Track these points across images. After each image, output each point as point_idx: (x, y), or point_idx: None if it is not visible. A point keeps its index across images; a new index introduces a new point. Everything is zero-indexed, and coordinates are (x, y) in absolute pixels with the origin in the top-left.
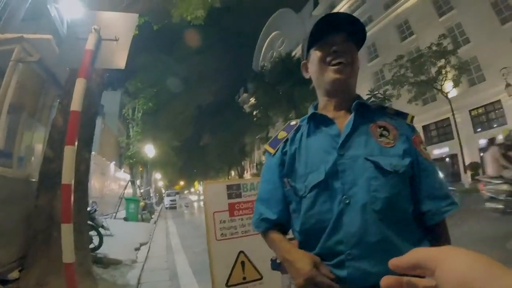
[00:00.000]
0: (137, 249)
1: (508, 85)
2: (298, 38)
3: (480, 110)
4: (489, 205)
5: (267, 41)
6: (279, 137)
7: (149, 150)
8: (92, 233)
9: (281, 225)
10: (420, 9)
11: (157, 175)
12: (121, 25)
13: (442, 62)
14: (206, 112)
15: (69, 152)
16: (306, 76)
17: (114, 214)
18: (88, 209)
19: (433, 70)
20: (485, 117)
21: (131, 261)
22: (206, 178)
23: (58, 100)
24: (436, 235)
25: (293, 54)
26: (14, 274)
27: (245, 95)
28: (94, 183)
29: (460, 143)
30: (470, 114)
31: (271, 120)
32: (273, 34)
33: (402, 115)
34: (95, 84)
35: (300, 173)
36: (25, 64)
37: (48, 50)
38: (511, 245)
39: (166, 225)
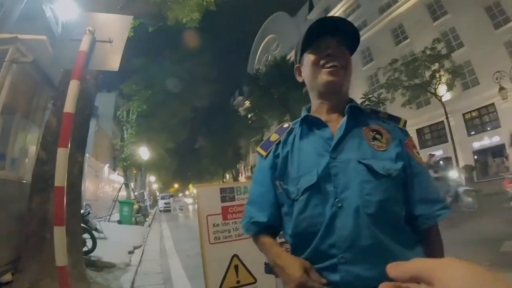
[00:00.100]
0: (130, 252)
1: (501, 88)
2: (293, 42)
3: (473, 114)
4: None
5: (262, 44)
6: (271, 139)
7: (144, 153)
8: (86, 236)
9: (272, 228)
10: (415, 13)
11: (152, 178)
12: (115, 27)
13: (436, 66)
14: (201, 114)
15: (62, 154)
16: (299, 79)
17: (108, 217)
18: (82, 211)
19: (427, 74)
20: (479, 120)
21: (125, 264)
22: (200, 181)
23: (52, 102)
24: (428, 239)
25: (288, 57)
26: (7, 277)
27: (240, 98)
28: (88, 186)
29: (454, 146)
30: (464, 117)
31: (266, 123)
32: (268, 37)
33: (395, 119)
34: (89, 85)
35: (293, 176)
36: (19, 65)
37: (42, 51)
38: (506, 247)
39: (160, 228)
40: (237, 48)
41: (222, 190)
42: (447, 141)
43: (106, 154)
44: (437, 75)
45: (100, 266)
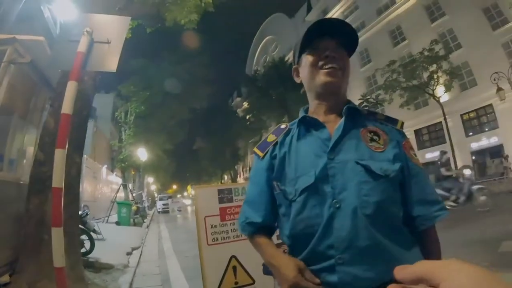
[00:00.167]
0: (129, 253)
1: (499, 89)
2: (291, 43)
3: (471, 115)
4: None
5: (261, 45)
6: (268, 140)
7: (142, 154)
8: (84, 237)
9: (267, 228)
10: (413, 15)
11: (150, 179)
12: (113, 28)
13: (434, 67)
14: (199, 116)
15: (60, 156)
16: (297, 80)
17: (106, 218)
18: (80, 213)
19: (425, 75)
20: (477, 121)
21: (123, 265)
22: (199, 182)
23: (50, 103)
24: (426, 240)
25: (286, 58)
26: (5, 278)
27: (238, 99)
28: (86, 187)
29: (452, 147)
30: (462, 118)
31: (264, 124)
32: (266, 38)
33: (392, 121)
34: (87, 86)
35: (290, 177)
36: (17, 66)
37: (40, 51)
38: (504, 247)
39: (159, 229)
40: (235, 50)
41: (220, 191)
42: (445, 142)
43: (104, 155)
44: (435, 76)
45: (98, 267)
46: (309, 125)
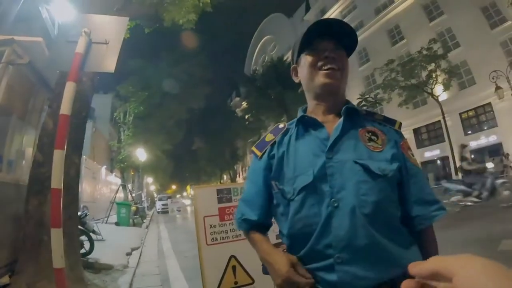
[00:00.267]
0: (128, 254)
1: (497, 88)
2: (289, 43)
3: (470, 113)
4: None
5: (259, 45)
6: (266, 139)
7: (141, 154)
8: (83, 238)
9: (262, 225)
10: (411, 14)
11: (149, 179)
12: (111, 29)
13: (432, 66)
14: (198, 116)
15: (58, 156)
16: (296, 80)
17: (105, 219)
18: (79, 213)
19: (424, 74)
20: (476, 120)
21: (123, 266)
22: (198, 182)
23: (48, 103)
24: (424, 239)
25: (285, 58)
26: (4, 280)
27: (237, 99)
28: (85, 187)
29: (451, 146)
30: (461, 117)
31: (263, 124)
32: (265, 38)
33: (390, 121)
34: (85, 87)
35: (288, 176)
36: (15, 67)
37: (39, 52)
38: (503, 246)
39: (158, 229)
40: (234, 49)
41: (219, 191)
42: (444, 141)
43: (103, 155)
44: (434, 75)
45: (98, 268)
46: (308, 124)
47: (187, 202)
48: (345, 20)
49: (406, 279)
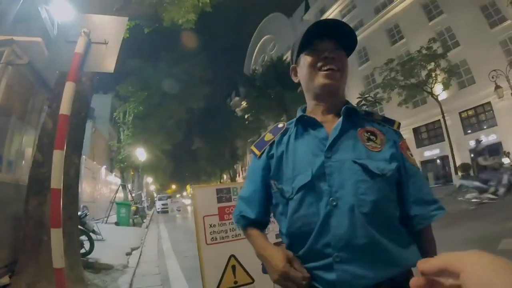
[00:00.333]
0: (128, 254)
1: (497, 87)
2: (289, 42)
3: (470, 112)
4: None
5: (259, 45)
6: (265, 139)
7: (140, 154)
8: (83, 237)
9: (260, 223)
10: (410, 13)
11: (149, 179)
12: (111, 29)
13: (432, 65)
14: (198, 115)
15: (58, 157)
16: (295, 80)
17: (105, 219)
18: (79, 213)
19: (423, 73)
20: (475, 119)
21: (123, 266)
22: (198, 182)
23: (48, 104)
24: (423, 239)
25: (284, 58)
26: (4, 280)
27: (236, 98)
28: (85, 187)
29: (450, 145)
30: (460, 116)
31: (263, 124)
32: (264, 38)
33: (389, 121)
34: (85, 87)
35: (287, 176)
36: (14, 67)
37: (38, 52)
38: (503, 245)
39: (158, 229)
40: (233, 49)
41: (219, 191)
42: (443, 140)
43: (103, 155)
44: (433, 74)
45: (98, 268)
46: (307, 124)
47: (187, 201)
48: (345, 19)
49: (404, 278)
